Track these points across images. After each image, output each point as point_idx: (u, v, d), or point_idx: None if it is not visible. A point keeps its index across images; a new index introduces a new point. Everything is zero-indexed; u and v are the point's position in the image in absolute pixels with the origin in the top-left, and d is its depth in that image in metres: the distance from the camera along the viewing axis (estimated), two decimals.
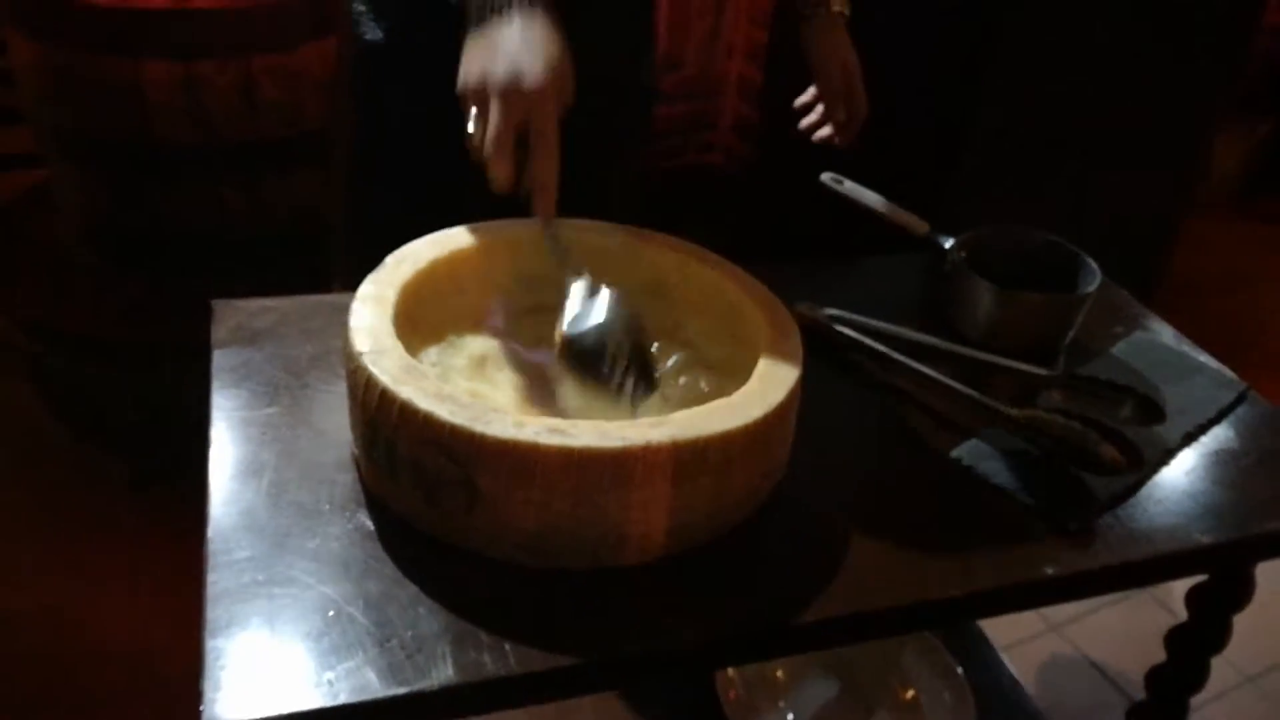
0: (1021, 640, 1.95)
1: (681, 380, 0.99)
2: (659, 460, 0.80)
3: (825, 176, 1.36)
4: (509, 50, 0.93)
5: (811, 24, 1.33)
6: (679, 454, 0.81)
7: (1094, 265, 1.24)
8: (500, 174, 0.92)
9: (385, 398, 0.82)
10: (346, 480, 0.91)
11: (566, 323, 0.94)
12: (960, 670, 1.44)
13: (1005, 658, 1.54)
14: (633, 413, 0.92)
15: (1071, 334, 1.24)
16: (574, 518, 0.81)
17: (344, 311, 0.90)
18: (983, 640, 1.55)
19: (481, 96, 0.93)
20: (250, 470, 0.91)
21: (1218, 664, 1.24)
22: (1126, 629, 1.98)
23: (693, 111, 2.87)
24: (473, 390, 0.93)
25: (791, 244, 2.39)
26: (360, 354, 0.85)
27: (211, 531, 0.84)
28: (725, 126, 2.92)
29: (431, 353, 0.97)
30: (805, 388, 0.93)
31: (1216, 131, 2.58)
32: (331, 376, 1.02)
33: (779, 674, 1.45)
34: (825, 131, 1.34)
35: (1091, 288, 1.21)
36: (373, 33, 1.20)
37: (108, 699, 1.66)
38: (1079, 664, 1.93)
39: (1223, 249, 3.29)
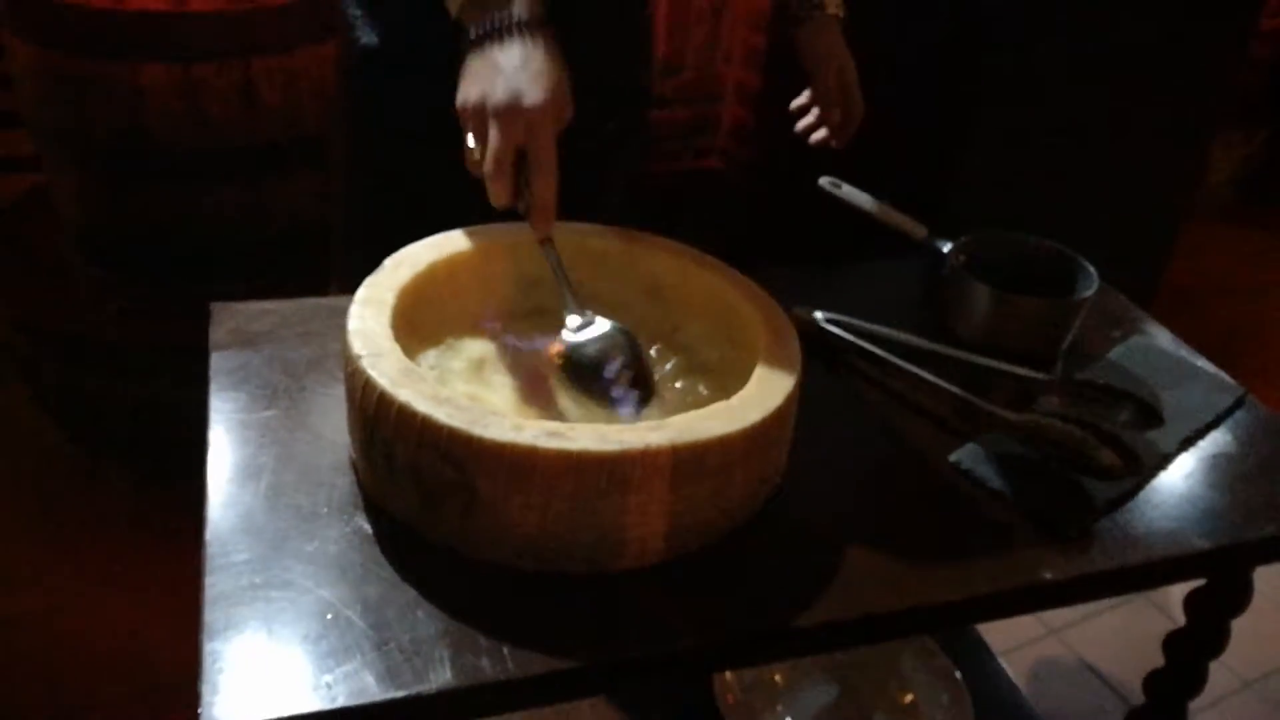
0: (1020, 644, 1.95)
1: (679, 384, 0.99)
2: (658, 464, 0.80)
3: (823, 180, 1.36)
4: (508, 72, 0.93)
5: (806, 26, 1.33)
6: (678, 457, 0.81)
7: (1092, 270, 1.24)
8: (500, 193, 0.93)
9: (383, 401, 0.82)
10: (345, 483, 0.91)
11: (566, 336, 0.95)
12: (958, 674, 1.44)
13: (1003, 662, 1.54)
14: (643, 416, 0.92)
15: (1069, 338, 1.24)
16: (572, 521, 0.81)
17: (342, 314, 0.90)
18: (981, 644, 1.55)
19: (481, 117, 0.94)
20: (248, 473, 0.91)
21: (1216, 669, 1.24)
22: (1125, 634, 1.98)
23: (691, 116, 2.87)
24: (471, 393, 0.93)
25: (790, 248, 2.39)
26: (358, 357, 0.85)
27: (209, 534, 0.84)
28: (724, 131, 2.93)
29: (430, 356, 0.97)
30: (803, 392, 0.93)
31: (1214, 138, 2.59)
32: (330, 379, 1.02)
33: (777, 678, 1.45)
34: (821, 134, 1.34)
35: (1089, 292, 1.22)
36: (368, 37, 1.20)
37: (105, 702, 1.66)
38: (1077, 668, 1.93)
39: (1220, 255, 3.29)
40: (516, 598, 0.83)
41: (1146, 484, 1.05)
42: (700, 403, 0.89)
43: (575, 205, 0.97)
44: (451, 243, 1.02)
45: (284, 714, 0.71)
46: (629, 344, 0.95)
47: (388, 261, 0.98)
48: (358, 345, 0.86)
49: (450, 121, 0.97)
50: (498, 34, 0.96)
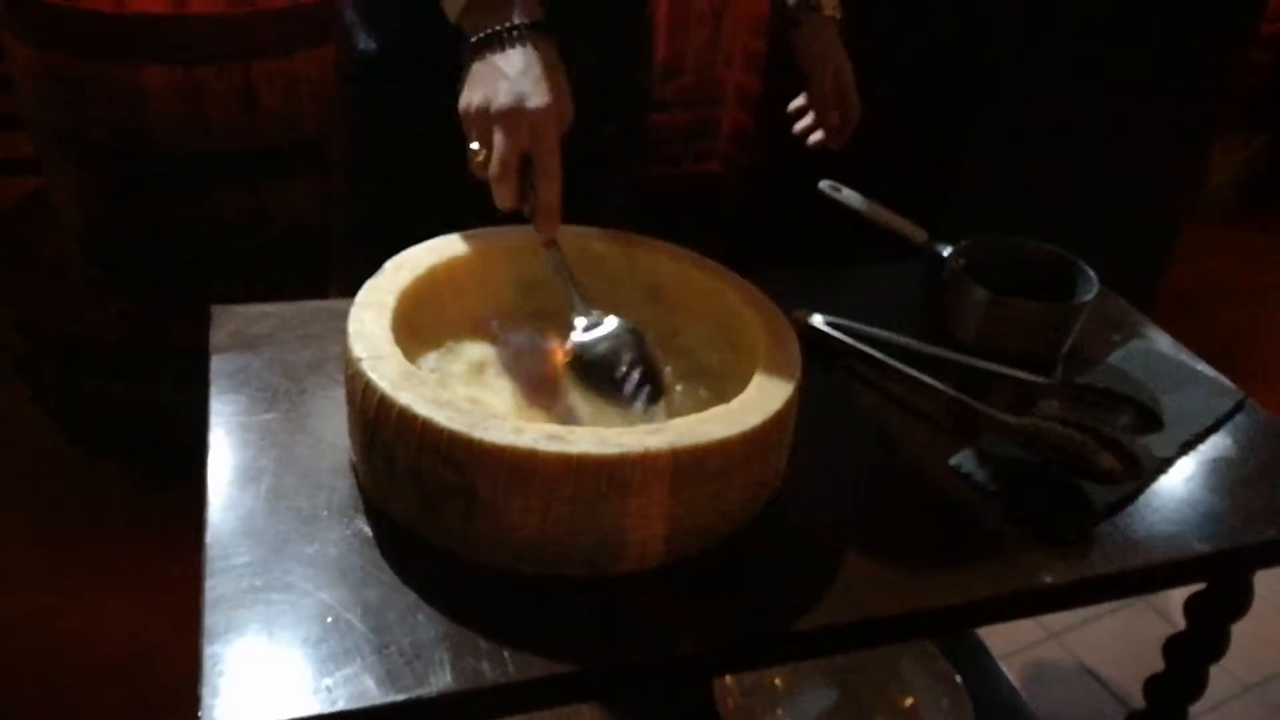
0: (1020, 648, 1.95)
1: (679, 387, 0.99)
2: (658, 467, 0.80)
3: (823, 184, 1.37)
4: (511, 77, 0.94)
5: (803, 28, 1.33)
6: (678, 461, 0.81)
7: (1092, 274, 1.24)
8: (506, 196, 0.94)
9: (384, 403, 0.82)
10: (345, 486, 0.91)
11: (575, 335, 0.95)
12: (958, 678, 1.44)
13: (1004, 666, 1.53)
14: (643, 421, 0.92)
15: (1069, 342, 1.24)
16: (572, 524, 0.81)
17: (342, 317, 0.90)
18: (981, 648, 1.55)
19: (485, 122, 0.94)
20: (248, 476, 0.91)
21: (1216, 673, 1.24)
22: (1125, 638, 1.98)
23: (691, 120, 2.87)
24: (471, 396, 0.93)
25: (790, 252, 2.39)
26: (359, 359, 0.85)
27: (209, 537, 0.84)
28: (724, 135, 2.93)
29: (430, 359, 0.97)
30: (803, 395, 0.93)
31: (1214, 141, 2.59)
32: (330, 382, 1.02)
33: (777, 682, 1.45)
34: (818, 136, 1.35)
35: (1089, 296, 1.22)
36: (366, 43, 1.21)
37: (105, 704, 1.66)
38: (1077, 672, 1.93)
39: (1220, 259, 3.30)
40: (517, 601, 0.83)
41: (1146, 488, 1.05)
42: (700, 406, 0.89)
43: (575, 207, 0.98)
44: (452, 246, 1.03)
45: (284, 717, 0.71)
46: (637, 341, 0.96)
47: (388, 264, 0.98)
48: (358, 348, 0.86)
49: (449, 125, 0.98)
50: (499, 38, 0.96)
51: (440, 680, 0.75)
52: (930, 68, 2.12)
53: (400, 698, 0.73)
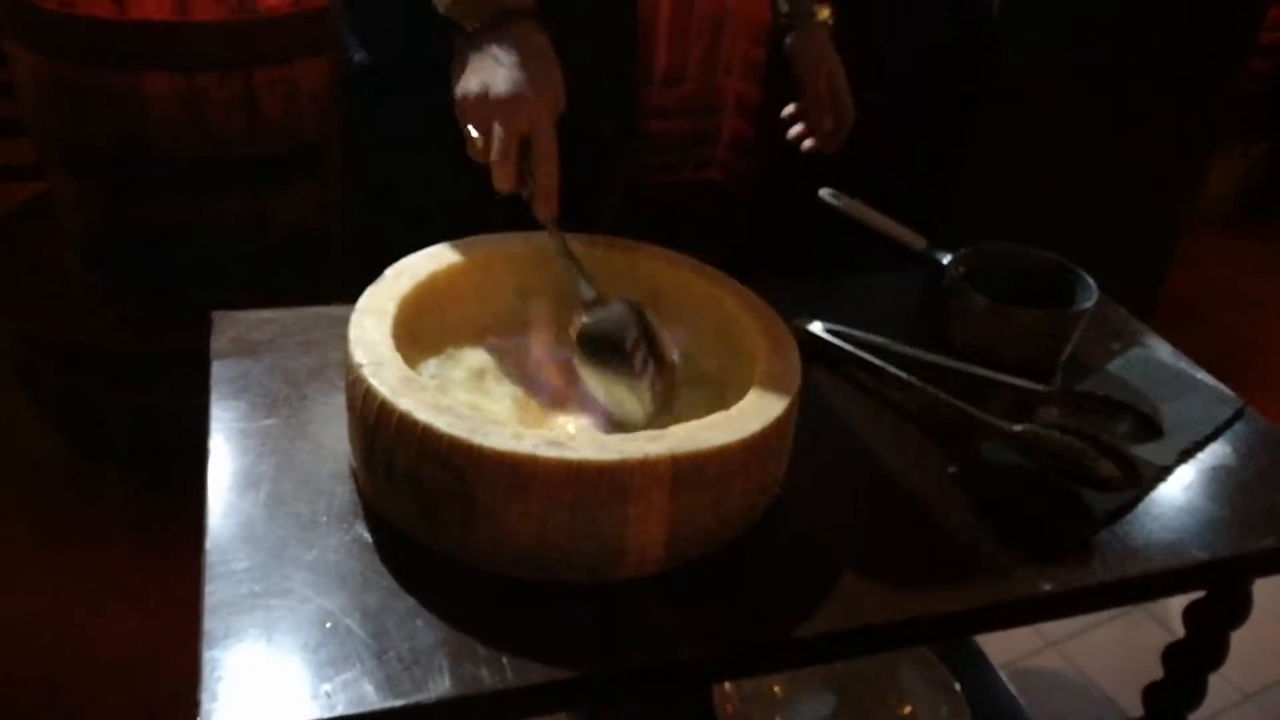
0: (1019, 656, 1.95)
1: (679, 393, 0.99)
2: (657, 473, 0.81)
3: (823, 192, 1.37)
4: (506, 65, 0.96)
5: (796, 34, 1.35)
6: (677, 467, 0.81)
7: (1091, 282, 1.24)
8: (506, 180, 0.96)
9: (384, 409, 0.82)
10: (344, 492, 0.91)
11: (581, 314, 0.97)
12: (957, 686, 1.43)
13: (1003, 674, 1.53)
14: (651, 394, 0.94)
15: (1069, 350, 1.24)
16: (572, 530, 0.82)
17: (343, 324, 0.91)
18: (980, 656, 1.55)
19: (483, 110, 0.97)
20: (248, 481, 0.91)
21: (1215, 681, 1.24)
22: (1124, 646, 1.98)
23: (691, 128, 2.88)
24: (471, 403, 0.93)
25: (789, 259, 2.39)
26: (359, 366, 0.85)
27: (209, 543, 0.84)
28: (724, 143, 2.93)
29: (430, 365, 0.98)
30: (803, 402, 0.93)
31: (1214, 150, 2.59)
32: (330, 388, 1.02)
33: (776, 689, 1.45)
34: (812, 141, 1.36)
35: (1089, 304, 1.22)
36: (359, 54, 1.22)
37: (105, 708, 1.66)
38: (1076, 681, 1.93)
39: (1219, 267, 3.30)
40: (516, 607, 0.83)
41: (1145, 496, 1.05)
42: (700, 413, 0.89)
43: (575, 208, 0.99)
44: (452, 253, 1.03)
45: None
46: (640, 318, 0.97)
47: (389, 271, 0.99)
48: (359, 354, 0.86)
49: (443, 134, 1.00)
50: (492, 27, 0.98)
51: (439, 686, 0.75)
52: (929, 72, 2.12)
53: (399, 703, 0.73)
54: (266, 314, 1.13)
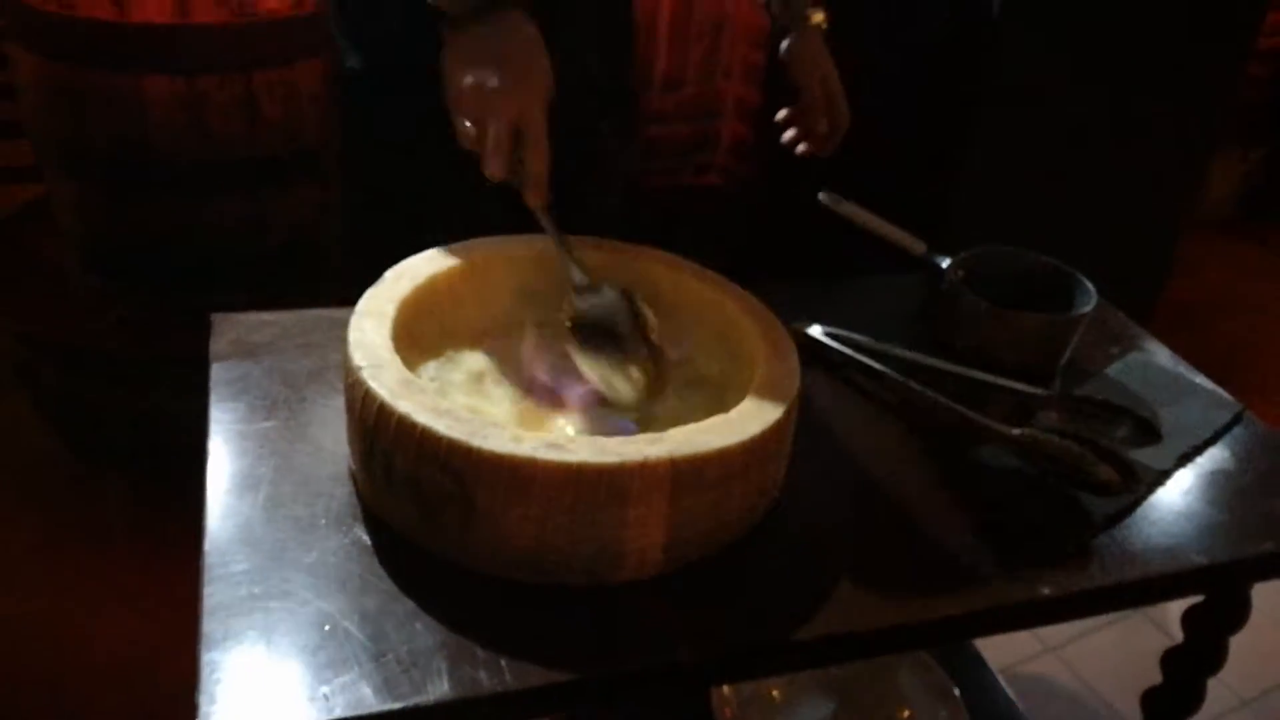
0: (1017, 661, 1.95)
1: (678, 397, 0.99)
2: (656, 476, 0.81)
3: (823, 196, 1.37)
4: (496, 53, 0.98)
5: (790, 37, 1.36)
6: (676, 470, 0.81)
7: (1090, 286, 1.24)
8: (498, 167, 0.97)
9: (383, 412, 0.82)
10: (344, 494, 0.91)
11: (574, 300, 0.98)
12: (956, 691, 1.43)
13: (1001, 679, 1.53)
14: (644, 377, 0.95)
15: (1067, 354, 1.24)
16: (571, 533, 0.82)
17: (342, 326, 0.91)
18: (979, 661, 1.55)
19: (473, 99, 0.98)
20: (247, 484, 0.91)
21: (1214, 686, 1.24)
22: (1123, 651, 1.98)
23: (691, 132, 2.88)
24: (471, 405, 0.93)
25: (789, 263, 2.39)
26: (359, 368, 0.85)
27: (208, 545, 0.84)
28: (723, 147, 2.93)
29: (430, 368, 0.98)
30: (802, 405, 0.94)
31: (1214, 155, 2.59)
32: (329, 390, 1.02)
33: (775, 693, 1.45)
34: (805, 147, 1.36)
35: (1088, 308, 1.22)
36: (353, 59, 1.23)
37: (105, 710, 1.66)
38: (1075, 686, 1.93)
39: (1218, 272, 3.30)
40: (514, 609, 0.83)
41: (1144, 500, 1.05)
42: (699, 415, 0.89)
43: (576, 208, 0.99)
44: (451, 255, 1.03)
45: None
46: (630, 305, 0.99)
47: (388, 273, 0.99)
48: (358, 357, 0.86)
49: (438, 138, 1.00)
50: (479, 14, 0.99)
51: (437, 689, 0.75)
52: (927, 74, 2.13)
53: (397, 706, 0.73)
54: (266, 316, 1.13)
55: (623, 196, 1.41)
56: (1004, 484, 1.04)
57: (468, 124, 0.98)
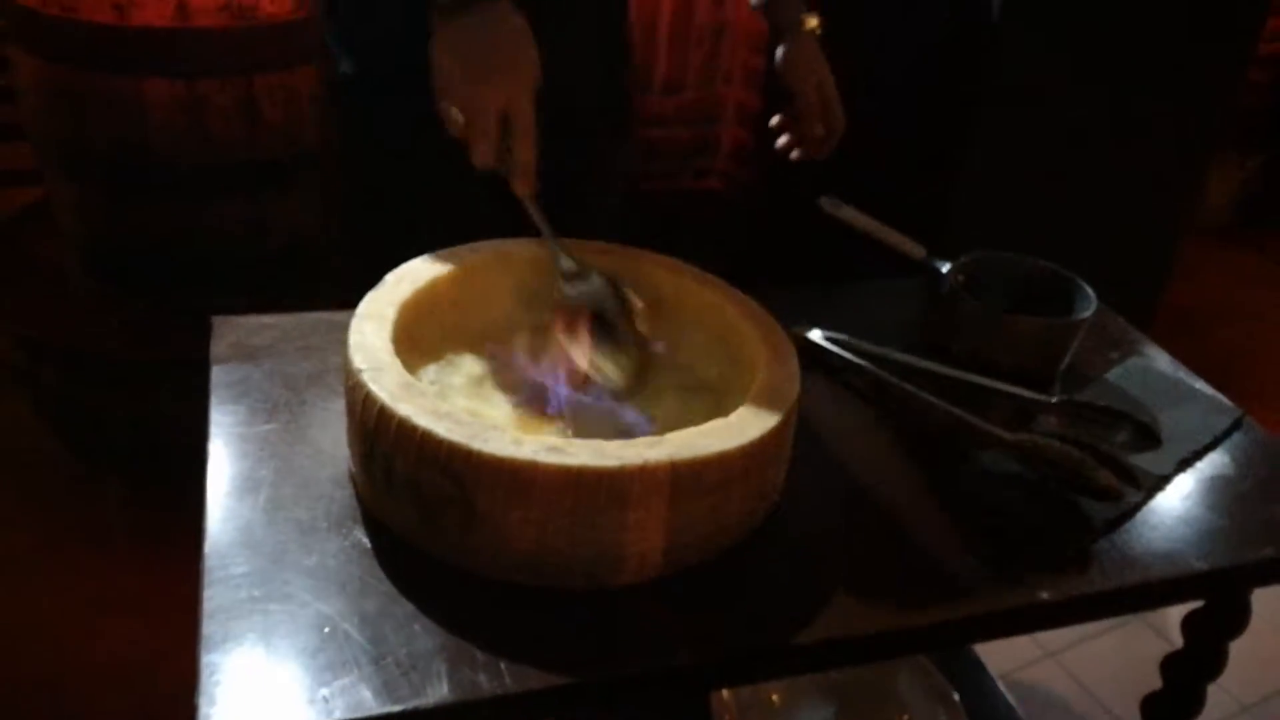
0: (1017, 667, 1.95)
1: (678, 400, 0.99)
2: (656, 480, 0.81)
3: (824, 201, 1.37)
4: (485, 42, 0.99)
5: (786, 42, 1.37)
6: (676, 474, 0.81)
7: (1090, 291, 1.24)
8: (487, 155, 0.98)
9: (383, 415, 0.82)
10: (344, 497, 0.91)
11: (562, 286, 1.00)
12: (956, 696, 1.43)
13: (1001, 684, 1.53)
14: (631, 360, 0.97)
15: (1067, 359, 1.24)
16: (571, 536, 0.82)
17: (343, 329, 0.91)
18: (979, 666, 1.54)
19: (461, 88, 0.99)
20: (247, 486, 0.91)
21: (1214, 692, 1.24)
22: (1122, 656, 1.98)
23: (691, 137, 2.88)
24: (471, 408, 0.93)
25: (789, 268, 2.39)
26: (359, 371, 0.85)
27: (208, 547, 0.84)
28: (724, 152, 2.94)
29: (430, 371, 0.98)
30: (802, 410, 0.94)
31: (1213, 161, 2.60)
32: (329, 393, 1.02)
33: (774, 697, 1.45)
34: (800, 153, 1.37)
35: (1087, 313, 1.22)
36: (346, 64, 1.23)
37: (104, 712, 1.66)
38: (1074, 691, 1.92)
39: (1217, 278, 3.30)
40: (514, 612, 0.83)
41: (1144, 505, 1.05)
42: (699, 419, 0.89)
43: (575, 209, 1.00)
44: (452, 259, 1.03)
45: None
46: (617, 291, 1.00)
47: (389, 277, 0.99)
48: (358, 359, 0.87)
49: (433, 141, 1.01)
50: (466, 4, 1.00)
51: (437, 691, 0.75)
52: (926, 77, 2.13)
53: (397, 708, 0.73)
54: (266, 319, 1.13)
55: (622, 197, 1.41)
56: (1004, 489, 1.04)
57: (456, 112, 0.99)
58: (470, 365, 0.99)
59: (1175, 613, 1.20)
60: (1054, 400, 1.14)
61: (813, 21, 1.36)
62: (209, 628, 0.77)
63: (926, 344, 1.24)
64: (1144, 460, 1.09)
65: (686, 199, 2.94)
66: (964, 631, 1.00)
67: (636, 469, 0.80)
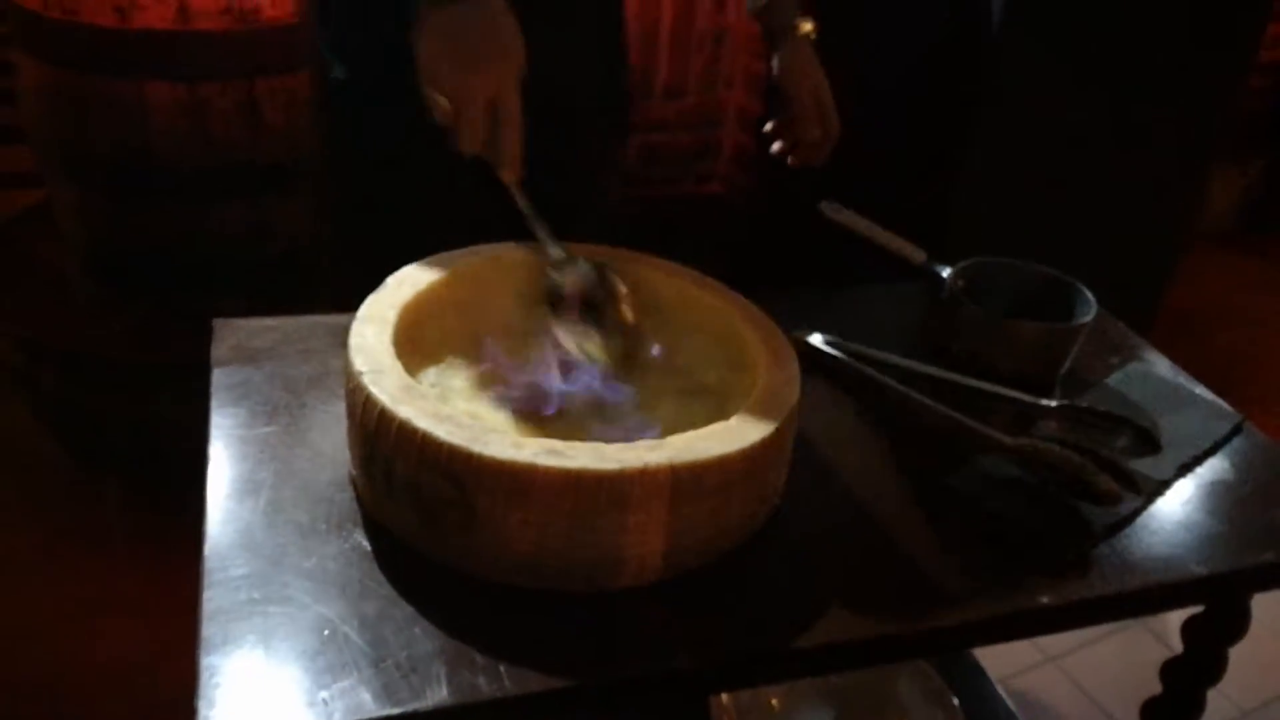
0: (1017, 671, 1.94)
1: (679, 403, 0.99)
2: (656, 483, 0.81)
3: (824, 205, 1.37)
4: (472, 29, 0.99)
5: (780, 47, 1.37)
6: (676, 477, 0.81)
7: (1090, 296, 1.25)
8: (473, 141, 0.99)
9: (384, 417, 0.82)
10: (344, 500, 0.91)
11: (550, 273, 1.01)
12: (955, 700, 1.43)
13: (1001, 688, 1.53)
14: (617, 346, 0.98)
15: (1067, 364, 1.24)
16: (571, 539, 0.82)
17: (343, 332, 0.91)
18: (978, 670, 1.54)
19: (447, 72, 0.99)
20: (248, 489, 0.91)
21: (1214, 697, 1.24)
22: (1122, 661, 1.98)
23: (692, 141, 2.89)
24: (471, 411, 0.93)
25: (790, 272, 2.39)
26: (359, 373, 0.85)
27: (208, 549, 0.84)
28: (725, 156, 2.94)
29: (430, 373, 0.98)
30: (802, 414, 0.94)
31: (1213, 168, 2.60)
32: (330, 396, 1.02)
33: (773, 701, 1.45)
34: (797, 156, 1.37)
35: (1087, 318, 1.22)
36: (338, 71, 1.24)
37: (104, 715, 1.66)
38: (1074, 696, 1.92)
39: (1217, 284, 3.30)
40: (514, 615, 0.83)
41: (1144, 510, 1.05)
42: (699, 423, 0.89)
43: (574, 207, 1.00)
44: (453, 262, 1.03)
45: None
46: (603, 277, 1.02)
47: (390, 279, 0.99)
48: (359, 362, 0.87)
49: (424, 148, 1.01)
50: None
51: (436, 694, 0.75)
52: (929, 81, 2.13)
53: (396, 711, 0.73)
54: (267, 322, 1.13)
55: (620, 199, 1.41)
56: (1004, 493, 1.04)
57: (442, 99, 0.99)
58: (471, 368, 0.99)
59: (1175, 618, 1.20)
60: (1054, 405, 1.14)
61: (807, 26, 1.37)
62: (208, 630, 0.77)
63: (927, 348, 1.24)
64: (1144, 465, 1.09)
65: (688, 203, 2.94)
66: (964, 636, 1.00)
67: (637, 472, 0.80)
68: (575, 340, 0.98)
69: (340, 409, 0.94)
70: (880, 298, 1.40)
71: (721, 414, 0.90)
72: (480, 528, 0.82)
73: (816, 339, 1.20)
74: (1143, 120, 2.23)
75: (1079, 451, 1.01)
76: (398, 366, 0.87)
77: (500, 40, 1.00)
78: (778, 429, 0.88)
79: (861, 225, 1.35)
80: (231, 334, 1.11)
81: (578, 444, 0.82)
